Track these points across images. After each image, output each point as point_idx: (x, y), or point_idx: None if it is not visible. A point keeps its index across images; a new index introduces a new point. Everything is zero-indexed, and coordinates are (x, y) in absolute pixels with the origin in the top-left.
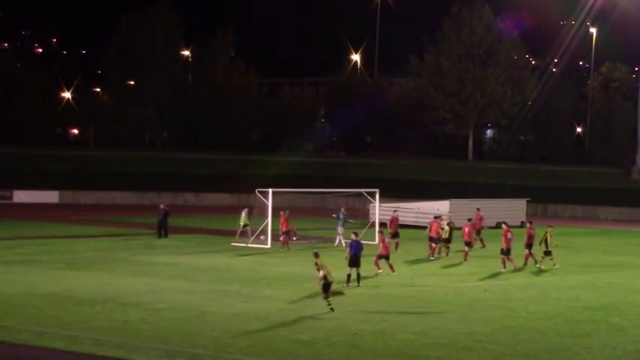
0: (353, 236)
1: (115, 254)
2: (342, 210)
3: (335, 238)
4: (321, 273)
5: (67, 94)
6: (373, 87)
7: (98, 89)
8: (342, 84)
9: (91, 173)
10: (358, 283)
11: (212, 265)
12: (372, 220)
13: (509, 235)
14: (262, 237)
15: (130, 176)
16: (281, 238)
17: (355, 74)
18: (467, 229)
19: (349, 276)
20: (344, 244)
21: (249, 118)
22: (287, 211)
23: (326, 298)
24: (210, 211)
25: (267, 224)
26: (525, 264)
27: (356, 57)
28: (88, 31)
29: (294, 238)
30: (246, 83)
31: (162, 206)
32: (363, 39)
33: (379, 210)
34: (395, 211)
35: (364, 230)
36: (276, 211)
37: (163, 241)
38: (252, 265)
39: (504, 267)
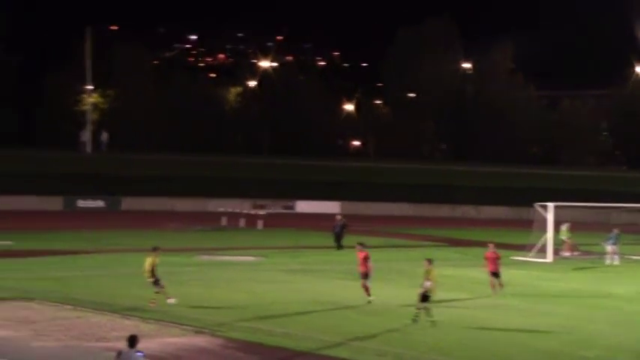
0: None
1: (395, 265)
2: (615, 230)
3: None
4: (428, 284)
5: (348, 106)
6: None
7: (379, 101)
8: (626, 96)
9: (371, 184)
10: None
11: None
12: None
13: None
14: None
15: (408, 188)
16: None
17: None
18: None
19: None
20: (616, 262)
21: (528, 131)
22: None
23: (419, 308)
24: (488, 223)
25: (547, 239)
26: None
27: None
28: (369, 44)
29: (576, 254)
30: (525, 96)
31: (339, 217)
32: None
33: None
34: None
35: None
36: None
37: (441, 254)
38: (532, 281)
39: None
